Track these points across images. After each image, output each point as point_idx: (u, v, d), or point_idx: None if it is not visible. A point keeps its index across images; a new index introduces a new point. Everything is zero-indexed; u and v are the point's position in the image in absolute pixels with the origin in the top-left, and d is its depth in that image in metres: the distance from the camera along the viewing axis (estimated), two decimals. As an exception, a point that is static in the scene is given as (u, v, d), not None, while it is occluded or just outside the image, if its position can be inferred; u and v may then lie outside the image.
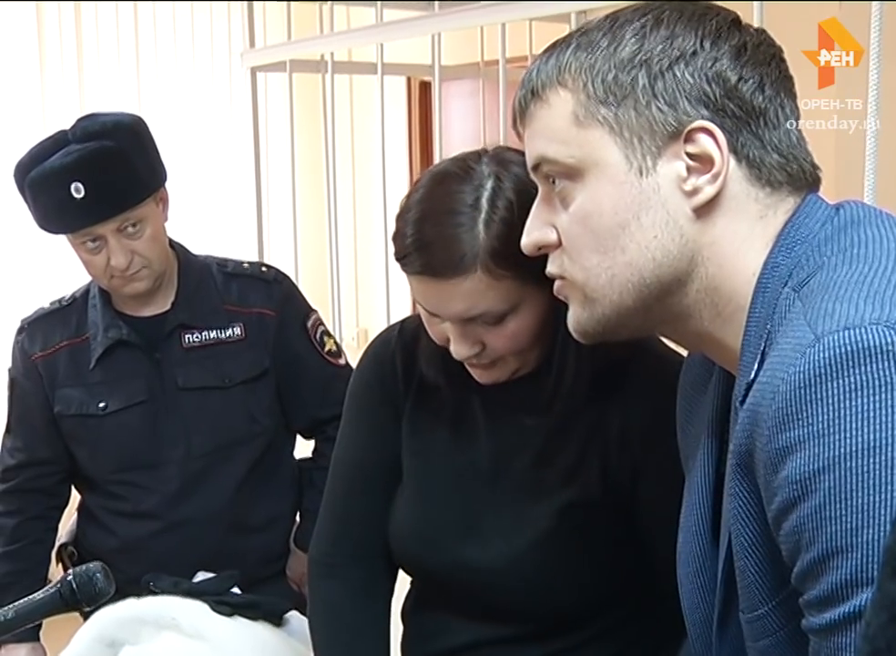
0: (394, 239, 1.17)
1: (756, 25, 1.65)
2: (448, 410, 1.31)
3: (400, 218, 1.17)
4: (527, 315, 1.15)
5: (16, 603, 1.16)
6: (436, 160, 2.41)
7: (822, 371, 0.71)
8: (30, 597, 1.17)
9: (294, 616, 1.71)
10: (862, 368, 0.70)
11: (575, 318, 0.90)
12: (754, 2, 1.69)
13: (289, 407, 1.97)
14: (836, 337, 0.71)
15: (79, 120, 1.79)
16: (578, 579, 1.24)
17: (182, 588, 1.69)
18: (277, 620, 1.71)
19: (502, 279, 1.11)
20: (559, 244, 0.89)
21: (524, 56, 2.98)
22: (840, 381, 0.70)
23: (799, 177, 0.85)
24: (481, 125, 3.19)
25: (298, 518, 2.02)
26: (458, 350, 1.16)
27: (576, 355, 1.19)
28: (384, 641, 1.40)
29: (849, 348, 0.70)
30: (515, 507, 1.26)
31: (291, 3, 2.77)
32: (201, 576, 1.79)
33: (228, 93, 4.29)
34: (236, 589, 1.72)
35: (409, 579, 1.43)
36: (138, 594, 1.63)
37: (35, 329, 1.91)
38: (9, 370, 1.95)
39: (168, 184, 1.87)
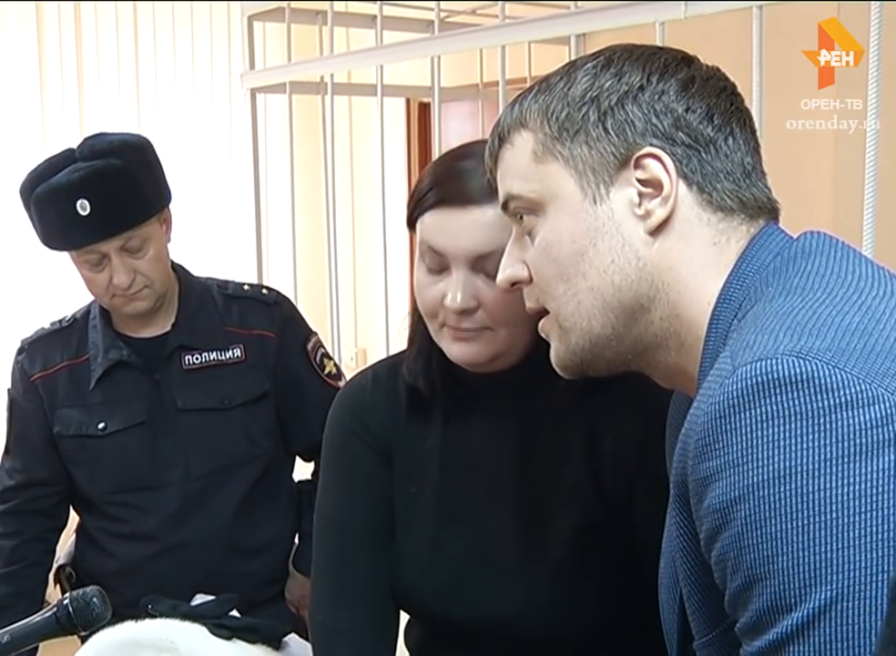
0: (414, 190, 1.20)
1: (755, 28, 1.68)
2: (440, 446, 1.29)
3: (423, 172, 1.22)
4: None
5: (12, 626, 1.16)
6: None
7: (735, 401, 0.73)
8: (26, 620, 1.16)
9: (293, 639, 1.70)
10: (773, 398, 0.71)
11: (556, 353, 0.94)
12: (754, 2, 1.69)
13: (288, 429, 1.97)
14: (749, 368, 0.73)
15: (87, 139, 1.80)
16: (590, 605, 1.24)
17: (180, 611, 1.68)
18: (276, 643, 1.70)
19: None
20: (531, 279, 0.94)
21: (524, 77, 2.99)
22: (753, 411, 0.72)
23: (752, 204, 0.88)
24: (480, 146, 3.20)
25: (297, 541, 2.01)
26: (454, 299, 1.16)
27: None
28: None
29: (761, 379, 0.72)
30: (526, 534, 1.25)
31: (291, 25, 2.78)
32: (200, 598, 1.78)
33: (227, 114, 4.30)
34: (235, 612, 1.71)
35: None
36: (136, 617, 1.62)
37: (36, 349, 1.91)
38: (8, 390, 1.94)
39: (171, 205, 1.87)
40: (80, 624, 1.16)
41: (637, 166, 0.87)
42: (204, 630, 1.62)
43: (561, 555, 1.22)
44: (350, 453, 1.34)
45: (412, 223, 1.22)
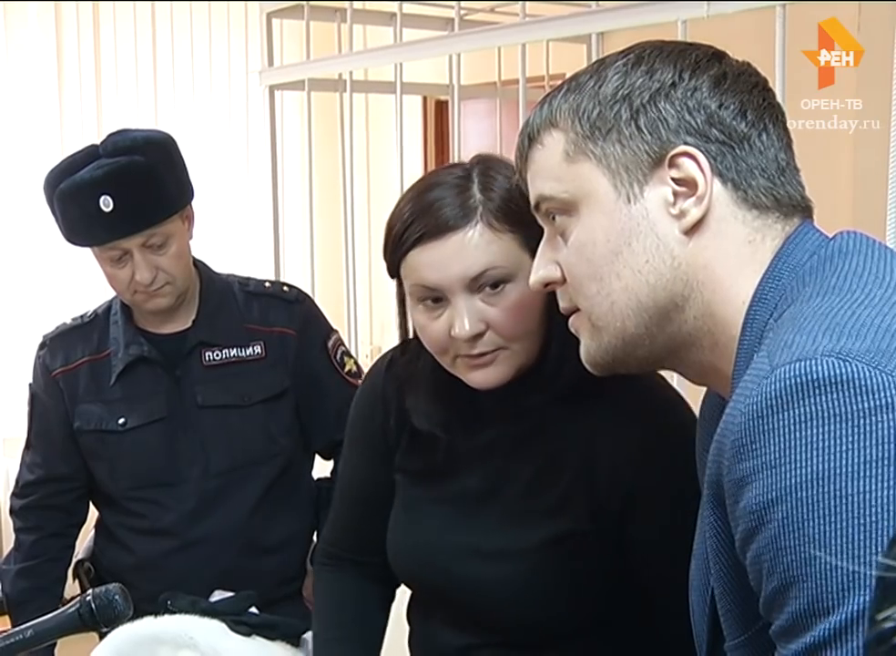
0: (387, 238, 1.21)
1: (778, 27, 1.67)
2: (440, 442, 1.31)
3: (390, 217, 1.22)
4: (526, 287, 1.14)
5: (34, 622, 1.17)
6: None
7: (774, 402, 0.72)
8: (49, 616, 1.17)
9: (312, 636, 1.70)
10: (812, 399, 0.70)
11: (586, 349, 0.94)
12: (777, 2, 1.69)
13: (308, 427, 1.97)
14: (788, 369, 0.72)
15: (111, 135, 1.80)
16: (567, 603, 1.25)
17: (200, 607, 1.69)
18: (295, 640, 1.70)
19: (503, 234, 1.16)
20: (563, 280, 0.93)
21: (541, 76, 2.99)
22: (791, 412, 0.71)
23: (786, 202, 0.87)
24: (497, 144, 3.20)
25: (315, 539, 2.01)
26: (461, 327, 1.16)
27: (562, 349, 1.18)
28: (378, 634, 1.48)
29: (800, 379, 0.71)
30: (504, 536, 1.26)
31: (310, 22, 2.78)
32: (218, 595, 1.78)
33: (244, 112, 4.31)
34: (254, 609, 1.71)
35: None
36: (156, 612, 1.62)
37: (57, 345, 1.91)
38: (30, 385, 1.95)
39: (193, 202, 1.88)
40: (102, 621, 1.17)
41: (672, 165, 0.86)
42: (223, 626, 1.63)
43: (536, 556, 1.23)
44: (360, 433, 1.42)
45: (394, 271, 1.22)
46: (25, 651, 1.15)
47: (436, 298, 1.18)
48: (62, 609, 1.17)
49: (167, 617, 1.63)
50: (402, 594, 1.48)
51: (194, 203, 1.89)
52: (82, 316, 1.95)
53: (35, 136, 3.94)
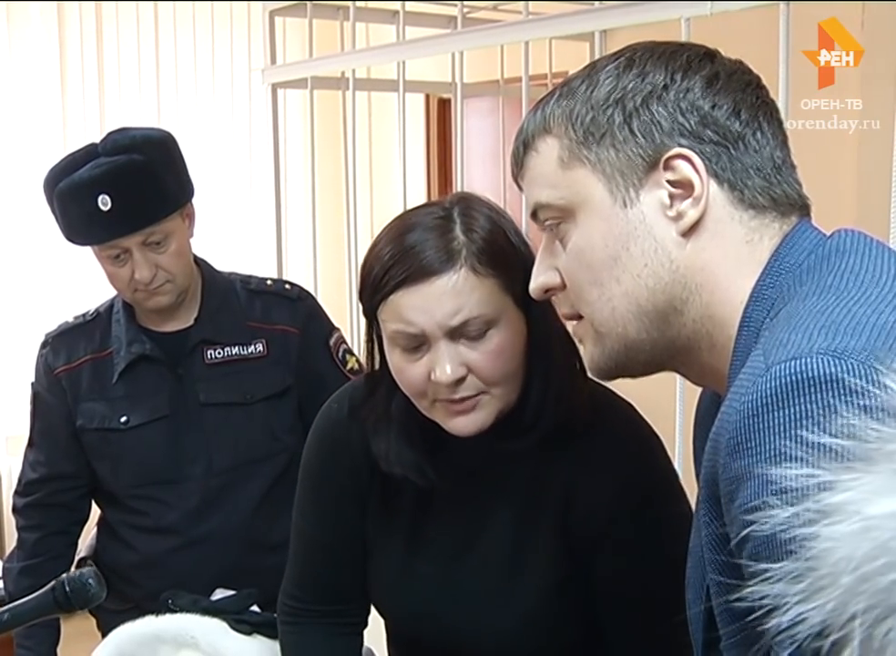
0: (364, 279, 1.17)
1: (782, 25, 1.67)
2: (416, 493, 1.28)
3: (367, 257, 1.18)
4: (508, 331, 1.15)
5: (10, 605, 1.20)
6: (456, 177, 2.42)
7: (769, 400, 0.72)
8: (24, 599, 1.20)
9: (314, 635, 1.70)
10: (808, 397, 0.70)
11: (590, 356, 0.94)
12: (780, 1, 1.68)
13: (310, 425, 1.96)
14: (783, 367, 0.72)
15: (110, 133, 1.80)
16: (564, 646, 1.25)
17: (201, 605, 1.68)
18: (296, 638, 1.69)
19: (486, 279, 1.13)
20: (563, 286, 0.93)
21: (544, 74, 2.98)
22: (786, 410, 0.71)
23: (783, 201, 0.87)
24: (500, 142, 3.20)
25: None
26: (443, 372, 1.13)
27: (543, 393, 1.18)
28: None
29: (795, 377, 0.71)
30: (497, 587, 1.25)
31: (313, 20, 2.78)
32: (220, 593, 1.78)
33: (247, 110, 4.31)
34: (255, 608, 1.71)
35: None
36: (157, 611, 1.62)
37: (59, 343, 1.91)
38: (32, 384, 1.95)
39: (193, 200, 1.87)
40: (76, 604, 1.19)
41: (667, 167, 0.86)
42: (224, 625, 1.62)
43: (531, 606, 1.23)
44: (324, 487, 1.35)
45: (370, 313, 1.18)
46: (3, 634, 1.21)
47: (417, 346, 1.15)
48: (37, 593, 1.20)
49: (168, 616, 1.62)
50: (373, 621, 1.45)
51: (195, 201, 1.88)
52: (84, 315, 1.95)
53: (38, 135, 3.94)
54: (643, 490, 1.19)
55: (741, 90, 0.88)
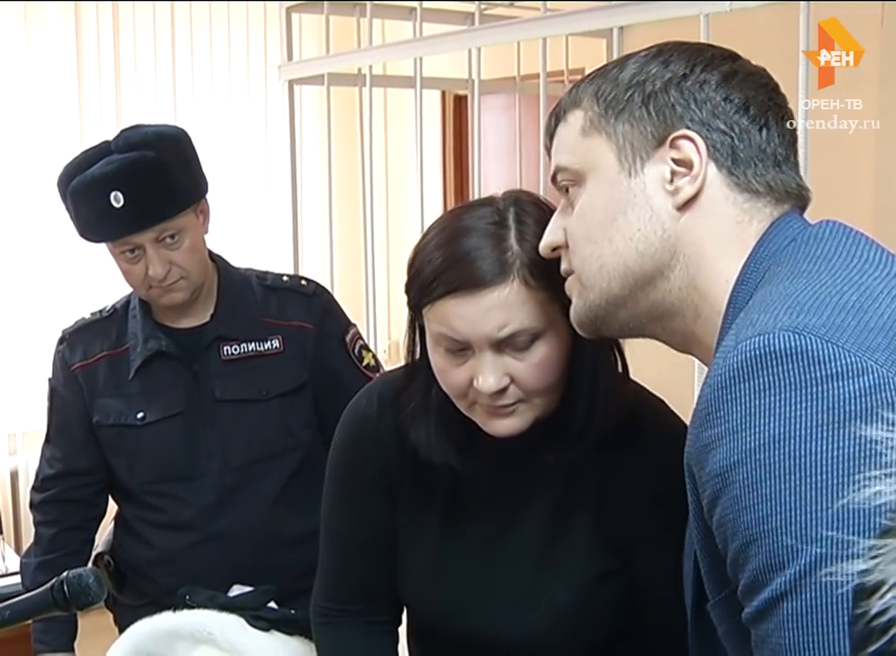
0: (413, 277, 1.15)
1: (802, 23, 1.65)
2: (449, 485, 1.27)
3: (417, 255, 1.16)
4: (554, 343, 1.14)
5: (10, 602, 1.19)
6: (473, 173, 2.42)
7: (735, 373, 0.78)
8: (24, 596, 1.20)
9: (330, 631, 1.70)
10: (770, 369, 0.76)
11: (574, 309, 1.01)
12: (801, 2, 1.67)
13: (326, 421, 1.96)
14: (749, 343, 0.78)
15: (123, 130, 1.80)
16: (593, 642, 1.24)
17: (218, 602, 1.68)
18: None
19: (537, 292, 1.11)
20: (567, 245, 1.00)
21: (561, 70, 2.98)
22: (751, 382, 0.77)
23: (779, 189, 0.93)
24: (516, 139, 3.19)
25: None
26: (486, 382, 1.12)
27: (590, 406, 1.18)
28: None
29: (759, 351, 0.77)
30: (529, 581, 1.24)
31: (329, 17, 2.78)
32: (237, 589, 1.78)
33: (263, 106, 4.31)
34: (272, 604, 1.71)
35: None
36: (174, 607, 1.63)
37: (76, 339, 1.92)
38: (49, 380, 1.96)
39: (208, 197, 1.87)
40: (75, 604, 1.18)
41: (673, 146, 0.93)
42: (242, 621, 1.62)
43: (564, 599, 1.22)
44: (353, 485, 1.34)
45: (416, 308, 1.17)
46: (2, 630, 1.18)
47: (461, 350, 1.14)
48: (37, 591, 1.19)
49: (185, 612, 1.62)
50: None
51: (211, 197, 1.88)
52: (101, 311, 1.95)
53: (56, 133, 3.96)
54: (679, 484, 1.18)
55: (755, 90, 0.94)
